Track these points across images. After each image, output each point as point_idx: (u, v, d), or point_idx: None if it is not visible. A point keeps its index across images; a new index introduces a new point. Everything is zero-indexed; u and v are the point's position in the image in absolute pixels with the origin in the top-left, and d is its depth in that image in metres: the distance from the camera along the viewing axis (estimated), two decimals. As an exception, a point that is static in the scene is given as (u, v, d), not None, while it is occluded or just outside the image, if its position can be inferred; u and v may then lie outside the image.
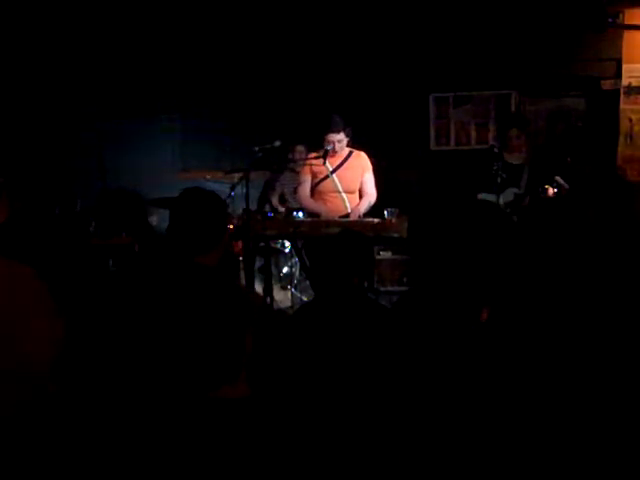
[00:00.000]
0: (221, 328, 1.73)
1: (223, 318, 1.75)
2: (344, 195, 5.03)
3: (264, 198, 6.18)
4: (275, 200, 6.11)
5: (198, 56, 6.49)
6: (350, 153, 5.07)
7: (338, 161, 5.02)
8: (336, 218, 4.88)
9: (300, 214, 4.86)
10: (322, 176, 5.04)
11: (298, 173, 5.43)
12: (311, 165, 5.04)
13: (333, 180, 5.01)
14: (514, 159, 5.24)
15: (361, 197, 5.11)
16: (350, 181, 5.04)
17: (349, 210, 5.00)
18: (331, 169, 5.01)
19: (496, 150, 5.22)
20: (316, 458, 1.69)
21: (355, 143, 5.26)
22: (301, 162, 5.35)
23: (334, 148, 4.90)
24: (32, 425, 2.03)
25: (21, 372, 2.01)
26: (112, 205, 5.49)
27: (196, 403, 1.70)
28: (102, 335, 2.52)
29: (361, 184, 5.10)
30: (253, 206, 5.27)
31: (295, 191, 5.48)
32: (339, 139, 4.92)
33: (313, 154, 5.06)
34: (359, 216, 4.94)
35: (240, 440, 1.64)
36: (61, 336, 2.07)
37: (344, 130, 4.94)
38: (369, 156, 5.26)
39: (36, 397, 2.03)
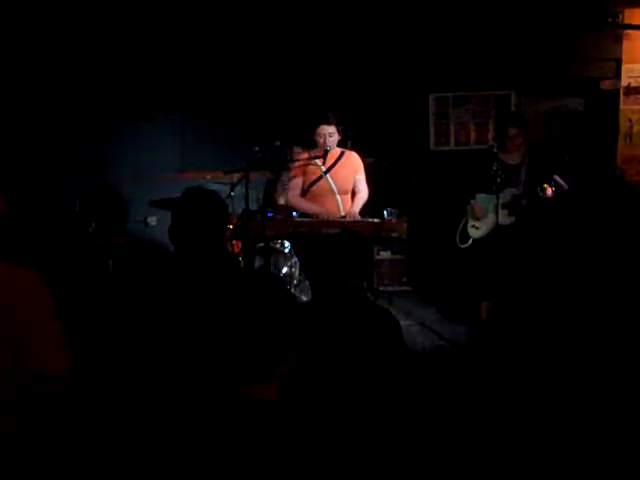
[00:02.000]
0: (262, 320, 1.66)
1: (265, 309, 1.68)
2: (338, 197, 5.00)
3: (269, 197, 6.14)
4: (280, 199, 6.09)
5: (198, 56, 6.49)
6: (342, 153, 5.06)
7: (331, 161, 5.00)
8: (337, 218, 4.86)
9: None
10: (316, 177, 5.01)
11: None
12: (305, 166, 5.02)
13: (327, 180, 4.98)
14: (511, 159, 5.24)
15: (353, 196, 5.10)
16: (344, 181, 5.02)
17: (342, 213, 4.97)
18: (324, 169, 4.99)
19: (495, 150, 5.22)
20: (319, 459, 1.69)
21: (355, 143, 5.24)
22: (302, 162, 5.30)
23: (325, 141, 4.87)
24: (43, 427, 2.04)
25: (27, 374, 2.02)
26: (93, 204, 5.46)
27: (221, 398, 1.64)
28: (120, 332, 2.51)
29: (354, 183, 5.10)
30: (253, 206, 5.25)
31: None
32: (330, 132, 4.88)
33: (312, 153, 5.02)
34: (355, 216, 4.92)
35: (259, 442, 1.60)
36: (63, 338, 2.09)
37: (335, 124, 4.91)
38: (370, 156, 5.25)
39: (43, 399, 2.04)
